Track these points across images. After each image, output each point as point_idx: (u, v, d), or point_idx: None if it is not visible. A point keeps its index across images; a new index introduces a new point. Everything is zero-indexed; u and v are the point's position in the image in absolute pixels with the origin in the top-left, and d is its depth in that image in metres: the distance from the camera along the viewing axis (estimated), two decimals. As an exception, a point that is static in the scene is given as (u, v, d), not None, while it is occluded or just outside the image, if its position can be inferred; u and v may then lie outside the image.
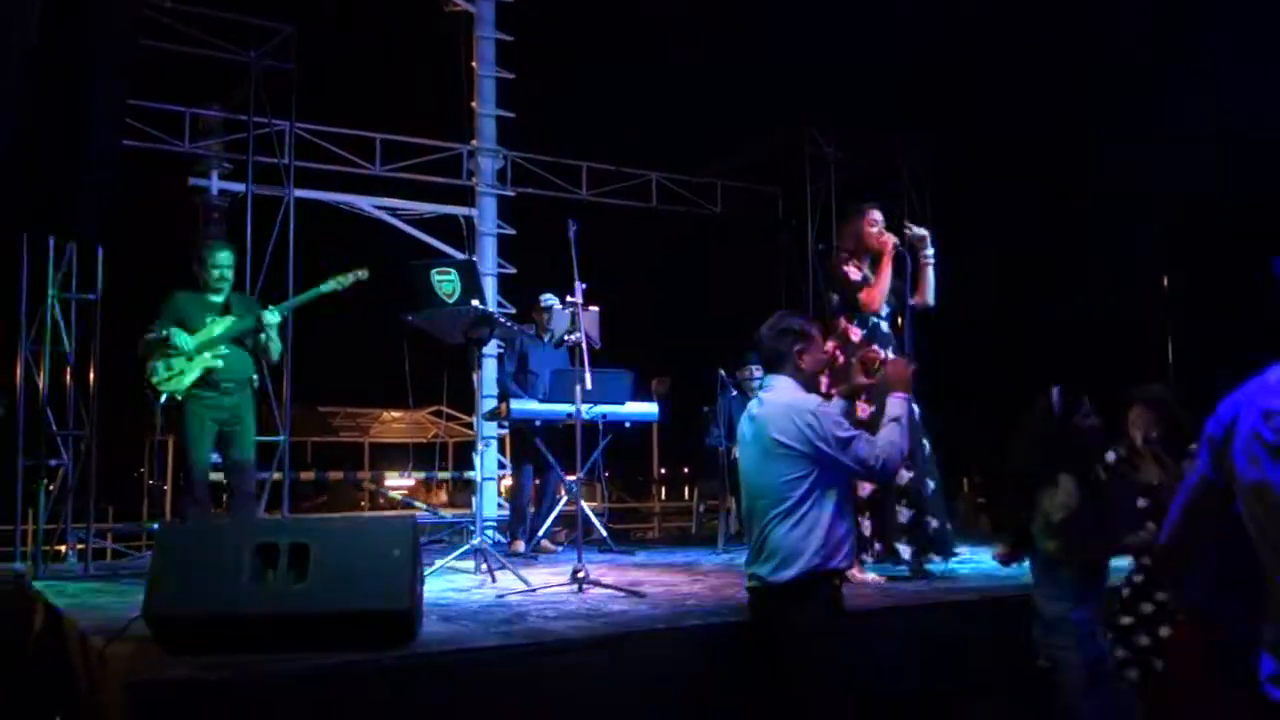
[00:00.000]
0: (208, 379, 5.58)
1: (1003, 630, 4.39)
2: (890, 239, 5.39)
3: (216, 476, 5.83)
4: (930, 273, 5.43)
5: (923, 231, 5.43)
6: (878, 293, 5.34)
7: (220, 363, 5.60)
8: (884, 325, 5.42)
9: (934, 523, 5.30)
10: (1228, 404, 2.17)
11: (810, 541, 3.42)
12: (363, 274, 5.89)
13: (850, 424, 3.61)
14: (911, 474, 5.18)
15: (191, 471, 5.55)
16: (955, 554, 5.44)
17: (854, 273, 5.40)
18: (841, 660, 3.47)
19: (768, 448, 3.50)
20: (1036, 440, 3.46)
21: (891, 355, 5.02)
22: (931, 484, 5.32)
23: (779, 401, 3.54)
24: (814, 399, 3.55)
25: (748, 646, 3.68)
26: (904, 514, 5.25)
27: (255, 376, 5.85)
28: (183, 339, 5.54)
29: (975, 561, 6.10)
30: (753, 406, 3.65)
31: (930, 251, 5.46)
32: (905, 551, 5.26)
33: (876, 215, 5.49)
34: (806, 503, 3.44)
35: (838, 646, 3.46)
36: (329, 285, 5.84)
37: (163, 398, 5.53)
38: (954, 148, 9.59)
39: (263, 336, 5.77)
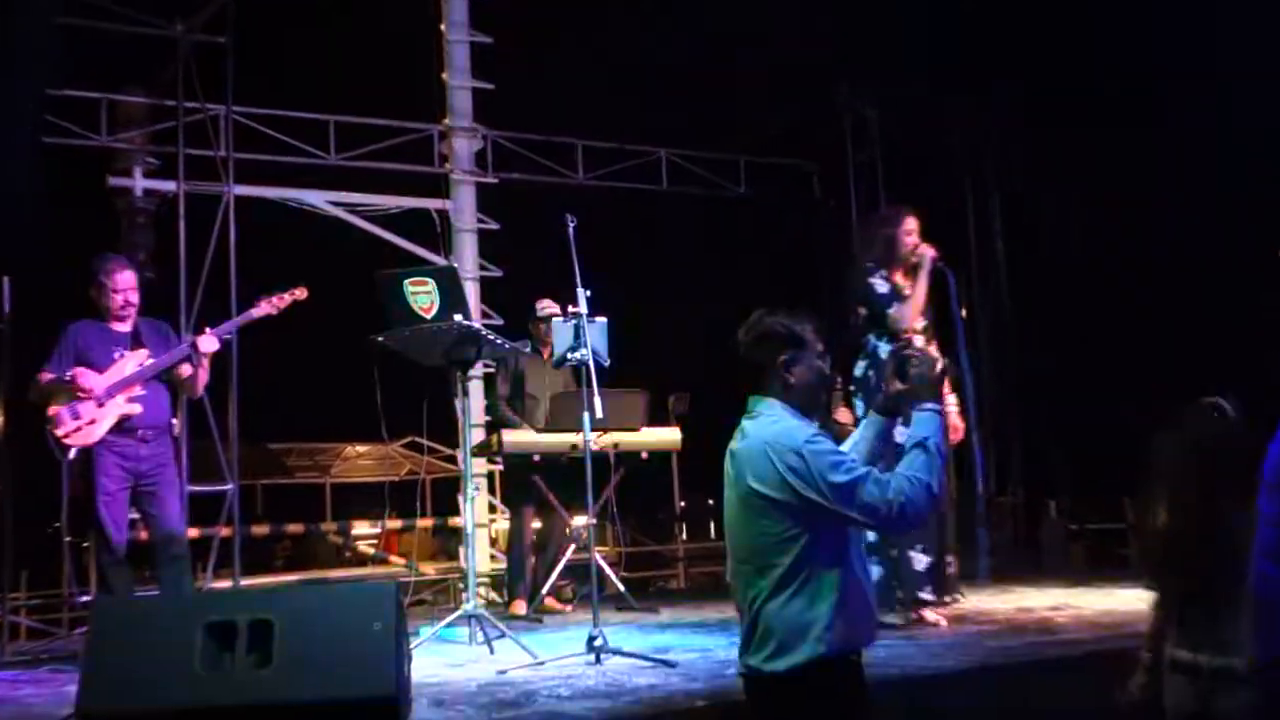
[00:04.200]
0: (123, 426, 5.56)
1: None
2: (929, 250, 5.62)
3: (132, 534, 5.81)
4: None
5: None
6: (910, 310, 5.54)
7: (138, 407, 5.58)
8: (918, 341, 5.52)
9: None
10: None
11: (814, 618, 3.05)
12: (300, 294, 5.90)
13: (871, 452, 3.31)
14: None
15: (105, 531, 5.52)
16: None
17: (880, 286, 5.61)
18: None
19: (745, 498, 3.15)
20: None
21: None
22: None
23: (759, 435, 3.17)
24: (804, 429, 3.14)
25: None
26: (920, 560, 5.54)
27: (175, 420, 5.85)
28: (91, 380, 5.52)
29: (1073, 605, 6.10)
30: (734, 439, 3.27)
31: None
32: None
33: (912, 222, 5.71)
34: (803, 569, 3.07)
35: None
36: (261, 309, 5.85)
37: (72, 452, 5.50)
38: (1022, 110, 9.56)
39: (186, 369, 5.77)
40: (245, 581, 8.38)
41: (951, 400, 5.67)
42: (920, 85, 9.74)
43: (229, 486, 7.91)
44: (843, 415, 8.65)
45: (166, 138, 8.71)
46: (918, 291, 5.60)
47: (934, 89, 9.76)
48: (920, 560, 5.57)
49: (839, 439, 3.43)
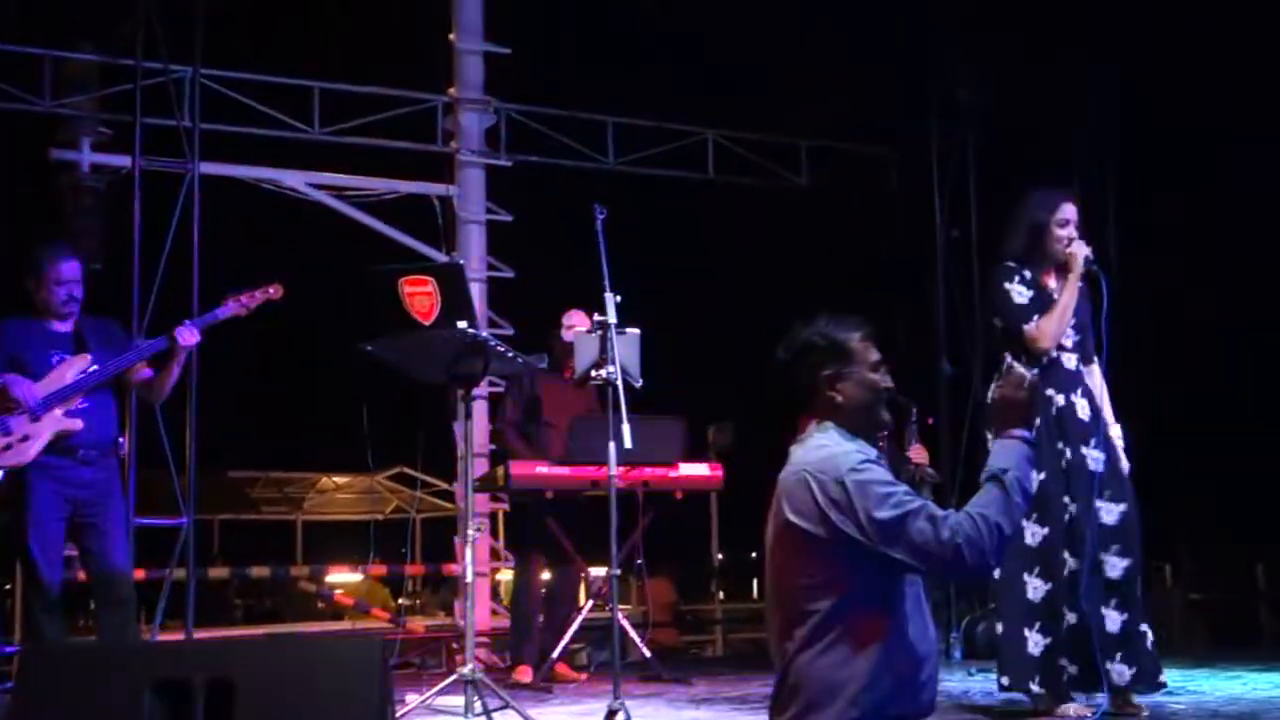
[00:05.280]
0: (60, 444, 5.60)
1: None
2: (1081, 250, 5.37)
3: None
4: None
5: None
6: (1052, 326, 5.33)
7: (79, 422, 5.62)
8: (1068, 361, 5.42)
9: (1142, 628, 5.26)
10: None
11: (848, 676, 3.09)
12: (274, 292, 5.94)
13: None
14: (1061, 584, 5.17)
15: (37, 569, 5.55)
16: (1162, 682, 5.35)
17: (1019, 293, 5.40)
18: None
19: (781, 532, 3.24)
20: None
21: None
22: (1122, 564, 5.25)
23: (803, 461, 3.26)
24: (851, 456, 3.19)
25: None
26: (1037, 642, 5.19)
27: (122, 440, 5.86)
28: (25, 389, 5.55)
29: (1191, 690, 6.03)
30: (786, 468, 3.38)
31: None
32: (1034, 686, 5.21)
33: (1071, 210, 5.47)
34: (842, 619, 3.12)
35: None
36: (229, 309, 5.88)
37: None
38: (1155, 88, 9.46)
39: (145, 370, 5.80)
40: (200, 634, 8.41)
41: (1116, 432, 5.48)
42: (1026, 55, 9.62)
43: (183, 521, 7.94)
44: (918, 454, 8.62)
45: (121, 104, 8.76)
46: (1063, 301, 5.35)
47: (1042, 62, 9.65)
48: (1036, 642, 5.20)
49: (914, 483, 3.44)
